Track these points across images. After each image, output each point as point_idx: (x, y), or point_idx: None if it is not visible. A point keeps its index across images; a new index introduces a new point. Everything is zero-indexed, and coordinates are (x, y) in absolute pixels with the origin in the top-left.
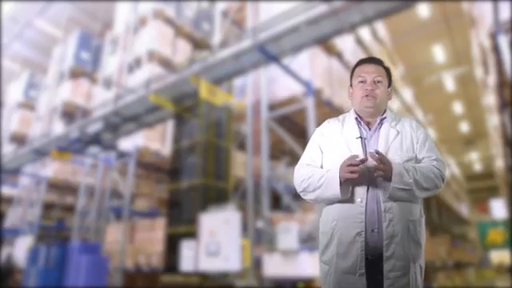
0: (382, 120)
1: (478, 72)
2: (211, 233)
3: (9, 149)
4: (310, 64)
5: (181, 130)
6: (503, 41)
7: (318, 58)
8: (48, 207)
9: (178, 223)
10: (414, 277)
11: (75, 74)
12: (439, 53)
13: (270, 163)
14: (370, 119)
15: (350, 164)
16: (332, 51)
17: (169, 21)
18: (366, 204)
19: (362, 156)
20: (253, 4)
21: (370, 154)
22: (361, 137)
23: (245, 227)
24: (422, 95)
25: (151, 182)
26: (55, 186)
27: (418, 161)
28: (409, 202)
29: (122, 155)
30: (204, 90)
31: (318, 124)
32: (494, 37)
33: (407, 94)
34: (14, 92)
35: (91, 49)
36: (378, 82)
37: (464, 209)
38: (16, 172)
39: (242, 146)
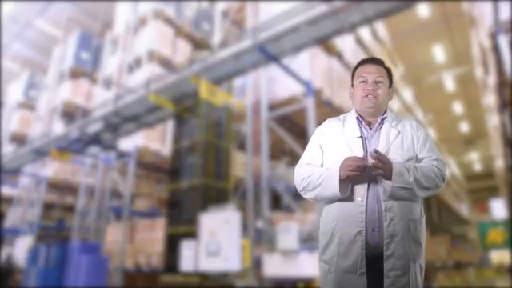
0: (382, 120)
1: (478, 72)
2: (211, 233)
3: (9, 149)
4: (310, 64)
5: (181, 130)
6: (503, 41)
7: (317, 57)
8: (48, 207)
9: (177, 223)
10: (414, 276)
11: (75, 73)
12: (439, 53)
13: (270, 163)
14: (370, 119)
15: (351, 163)
16: (332, 51)
17: (169, 21)
18: (367, 203)
19: (362, 155)
20: (253, 4)
21: (369, 153)
22: (362, 136)
23: (245, 227)
24: (422, 95)
25: (151, 182)
26: (55, 185)
27: (418, 160)
28: (409, 201)
29: (122, 155)
30: (204, 90)
31: (318, 124)
32: (494, 37)
33: (407, 94)
34: (14, 92)
35: (91, 49)
36: (379, 82)
37: (464, 209)
38: (16, 172)
39: (242, 146)
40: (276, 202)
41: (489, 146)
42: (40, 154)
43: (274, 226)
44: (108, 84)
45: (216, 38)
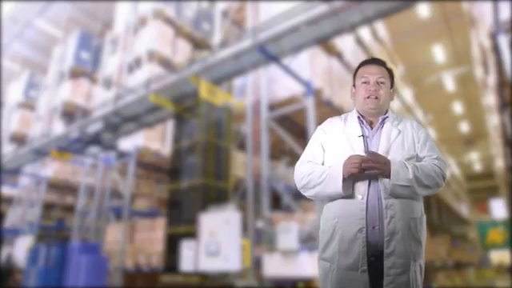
0: (384, 119)
1: (478, 72)
2: (211, 233)
3: (9, 149)
4: (310, 64)
5: (181, 130)
6: (503, 41)
7: (317, 58)
8: (48, 207)
9: (178, 223)
10: (414, 276)
11: (75, 73)
12: (439, 53)
13: (270, 163)
14: (372, 118)
15: (355, 161)
16: (332, 51)
17: (169, 21)
18: (367, 201)
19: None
20: (253, 4)
21: (367, 153)
22: (363, 135)
23: (245, 227)
24: (422, 95)
25: (151, 182)
26: (55, 185)
27: (419, 159)
28: (410, 199)
29: (122, 155)
30: (204, 90)
31: (318, 124)
32: (494, 37)
33: (407, 93)
34: (14, 92)
35: (91, 49)
36: (381, 83)
37: (464, 209)
38: (16, 172)
39: (242, 146)
40: (276, 202)
41: (489, 145)
42: (40, 153)
43: (273, 226)
44: (108, 84)
45: (216, 38)
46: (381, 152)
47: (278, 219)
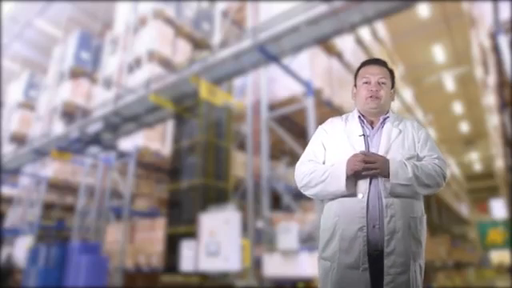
0: (384, 119)
1: (478, 72)
2: (211, 233)
3: (9, 149)
4: (310, 64)
5: (181, 130)
6: (503, 41)
7: (317, 58)
8: (48, 207)
9: (178, 223)
10: (414, 275)
11: (75, 74)
12: (439, 53)
13: (270, 163)
14: (373, 118)
15: (358, 159)
16: (332, 51)
17: (169, 21)
18: (368, 199)
19: None
20: (253, 4)
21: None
22: (364, 134)
23: (245, 227)
24: (422, 95)
25: (151, 182)
26: (55, 185)
27: (419, 159)
28: (410, 198)
29: (122, 155)
30: (204, 90)
31: (318, 124)
32: (494, 37)
33: (407, 93)
34: (14, 92)
35: (91, 49)
36: (383, 83)
37: (464, 209)
38: (16, 172)
39: (242, 146)
40: (276, 202)
41: (489, 145)
42: (40, 154)
43: (274, 226)
44: (108, 84)
45: (216, 38)
46: (381, 151)
47: (278, 219)
